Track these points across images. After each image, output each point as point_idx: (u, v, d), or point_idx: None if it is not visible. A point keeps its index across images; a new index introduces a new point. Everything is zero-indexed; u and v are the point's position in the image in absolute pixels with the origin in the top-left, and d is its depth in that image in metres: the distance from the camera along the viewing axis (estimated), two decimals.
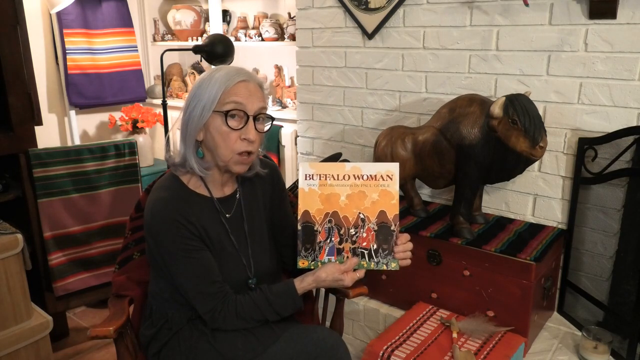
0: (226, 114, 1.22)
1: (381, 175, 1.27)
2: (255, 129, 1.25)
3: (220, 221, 1.32)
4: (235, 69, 1.26)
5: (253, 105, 1.24)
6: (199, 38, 3.54)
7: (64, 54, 3.16)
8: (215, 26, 3.33)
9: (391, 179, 1.27)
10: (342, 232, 1.28)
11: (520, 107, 1.54)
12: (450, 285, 1.78)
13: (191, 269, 1.24)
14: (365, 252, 1.27)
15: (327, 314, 1.58)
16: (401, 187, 2.00)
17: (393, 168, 1.28)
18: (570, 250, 1.82)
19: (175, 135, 1.33)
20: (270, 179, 1.44)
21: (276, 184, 1.46)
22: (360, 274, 1.27)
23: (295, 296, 1.27)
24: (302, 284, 1.28)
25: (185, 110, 1.26)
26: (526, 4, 1.71)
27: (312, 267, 1.29)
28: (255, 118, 1.25)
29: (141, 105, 3.34)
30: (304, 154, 2.56)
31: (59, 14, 3.09)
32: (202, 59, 2.44)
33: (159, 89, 3.68)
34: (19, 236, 1.92)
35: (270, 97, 3.21)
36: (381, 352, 1.58)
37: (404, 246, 1.29)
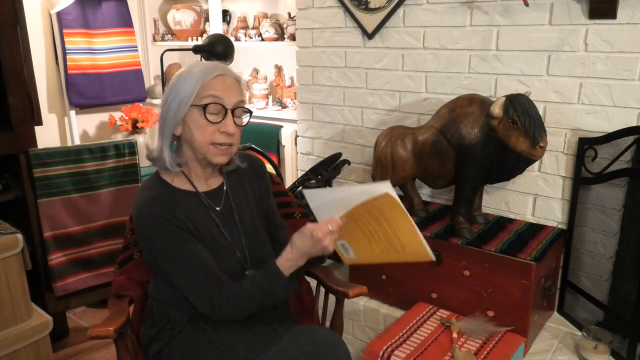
0: (204, 108, 1.23)
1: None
2: (235, 123, 1.27)
3: (210, 216, 1.32)
4: (212, 64, 1.27)
5: (231, 99, 1.26)
6: (199, 38, 3.54)
7: (64, 54, 3.16)
8: (215, 26, 3.33)
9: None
10: None
11: (520, 107, 1.54)
12: (450, 285, 1.78)
13: (185, 262, 1.24)
14: None
15: (327, 314, 1.58)
16: (401, 187, 2.00)
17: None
18: (570, 250, 1.82)
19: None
20: (255, 172, 1.46)
21: (262, 177, 1.47)
22: (332, 225, 1.18)
23: (279, 273, 1.22)
24: (281, 259, 1.23)
25: (162, 105, 1.27)
26: (526, 4, 1.71)
27: None
28: (234, 112, 1.27)
29: (141, 105, 3.33)
30: (304, 154, 2.56)
31: (59, 14, 3.09)
32: (202, 59, 2.44)
33: (159, 89, 3.68)
34: (19, 236, 1.92)
35: (270, 97, 3.21)
36: (381, 352, 1.58)
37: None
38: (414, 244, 1.20)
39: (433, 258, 1.22)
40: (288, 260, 1.23)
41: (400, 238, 1.19)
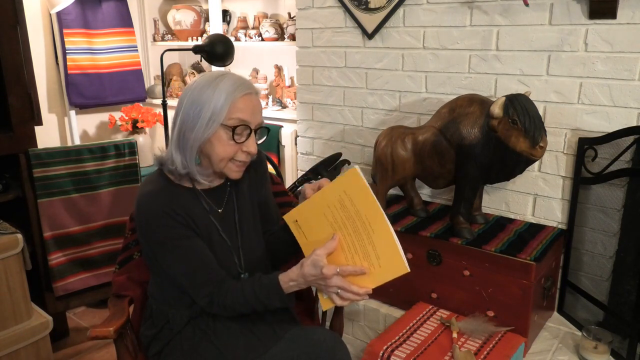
0: (233, 130, 1.22)
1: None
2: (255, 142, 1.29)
3: (209, 217, 1.31)
4: (239, 80, 1.25)
5: (256, 120, 1.26)
6: (199, 38, 3.54)
7: (64, 54, 3.16)
8: (215, 26, 3.33)
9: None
10: None
11: (520, 107, 1.54)
12: (450, 285, 1.78)
13: (183, 257, 1.24)
14: None
15: (327, 314, 1.58)
16: (401, 187, 2.00)
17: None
18: (570, 250, 1.82)
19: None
20: (253, 164, 1.44)
21: (259, 167, 1.47)
22: (341, 269, 1.18)
23: (280, 290, 1.22)
24: (286, 277, 1.22)
25: (181, 115, 1.24)
26: (526, 4, 1.71)
27: None
28: (256, 131, 1.28)
29: (141, 105, 3.34)
30: (304, 154, 2.56)
31: (59, 14, 3.09)
32: (202, 59, 2.44)
33: (159, 89, 3.68)
34: (19, 236, 1.92)
35: (270, 97, 3.22)
36: (381, 352, 1.58)
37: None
38: (388, 247, 1.15)
39: (408, 269, 1.15)
40: (292, 280, 1.22)
41: (375, 243, 1.16)
